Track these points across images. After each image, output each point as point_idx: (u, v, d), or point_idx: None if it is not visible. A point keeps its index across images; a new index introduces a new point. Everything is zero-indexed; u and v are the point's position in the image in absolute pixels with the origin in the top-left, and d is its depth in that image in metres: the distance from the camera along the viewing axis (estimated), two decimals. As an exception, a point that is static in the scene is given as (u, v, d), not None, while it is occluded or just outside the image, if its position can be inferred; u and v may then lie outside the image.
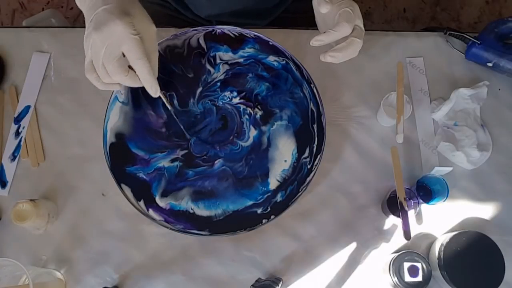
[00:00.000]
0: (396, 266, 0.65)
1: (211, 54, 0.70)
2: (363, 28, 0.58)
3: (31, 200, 0.66)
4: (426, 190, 0.73)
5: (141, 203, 0.64)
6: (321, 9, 0.57)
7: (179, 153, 0.66)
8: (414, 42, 0.80)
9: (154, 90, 0.56)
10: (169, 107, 0.63)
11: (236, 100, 0.68)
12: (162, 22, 0.90)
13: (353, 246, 0.71)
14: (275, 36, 0.71)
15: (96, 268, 0.70)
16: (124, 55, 0.52)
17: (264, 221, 0.63)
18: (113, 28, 0.51)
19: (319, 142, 0.66)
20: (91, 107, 0.75)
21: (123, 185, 0.64)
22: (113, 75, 0.53)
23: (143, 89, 0.67)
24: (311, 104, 0.68)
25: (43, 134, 0.75)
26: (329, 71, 0.77)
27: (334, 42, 0.58)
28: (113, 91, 0.67)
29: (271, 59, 0.70)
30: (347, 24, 0.55)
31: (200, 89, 0.69)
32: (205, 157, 0.66)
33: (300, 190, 0.65)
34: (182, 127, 0.66)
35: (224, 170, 0.65)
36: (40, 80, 0.77)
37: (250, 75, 0.69)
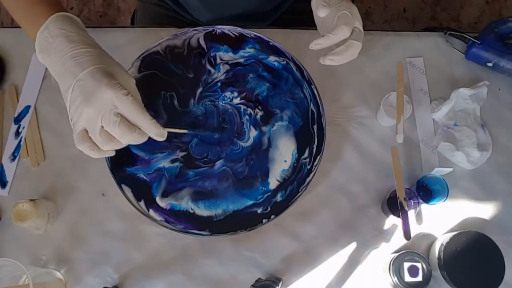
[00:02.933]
0: (396, 266, 0.65)
1: (211, 54, 0.70)
2: (362, 30, 0.58)
3: (31, 200, 0.66)
4: (426, 190, 0.73)
5: (142, 203, 0.64)
6: (319, 13, 0.58)
7: (179, 154, 0.66)
8: (414, 42, 0.80)
9: (161, 136, 0.53)
10: (183, 131, 0.63)
11: (236, 101, 0.68)
12: (162, 22, 0.90)
13: (353, 246, 0.71)
14: (275, 36, 0.71)
15: (96, 268, 0.70)
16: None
17: (264, 221, 0.64)
18: (103, 95, 0.49)
19: (319, 143, 0.66)
20: (91, 107, 0.75)
21: (123, 186, 0.64)
22: (122, 137, 0.51)
23: (142, 88, 0.68)
24: (312, 104, 0.68)
25: (43, 134, 0.75)
26: (329, 71, 0.77)
27: (333, 44, 0.58)
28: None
29: (272, 59, 0.70)
30: (346, 27, 0.55)
31: (200, 89, 0.69)
32: (205, 159, 0.66)
33: (300, 190, 0.65)
34: (207, 133, 0.66)
35: (224, 170, 0.65)
36: (40, 80, 0.77)
37: (251, 75, 0.69)
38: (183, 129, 0.62)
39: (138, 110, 0.51)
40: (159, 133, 0.53)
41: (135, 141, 0.52)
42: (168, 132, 0.54)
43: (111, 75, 0.51)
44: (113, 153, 0.54)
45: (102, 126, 0.50)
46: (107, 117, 0.50)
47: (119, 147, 0.53)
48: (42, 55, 0.54)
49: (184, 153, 0.66)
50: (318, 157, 0.65)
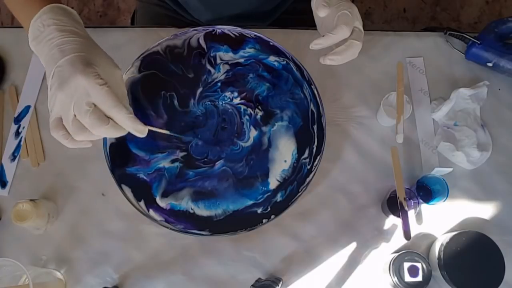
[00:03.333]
0: (396, 266, 0.65)
1: (212, 54, 0.70)
2: (362, 30, 0.58)
3: (31, 200, 0.66)
4: (426, 190, 0.73)
5: (142, 203, 0.64)
6: (319, 13, 0.58)
7: (179, 154, 0.66)
8: (414, 42, 0.80)
9: (140, 132, 0.52)
10: (165, 132, 0.61)
11: (236, 101, 0.68)
12: (162, 22, 0.90)
13: (353, 246, 0.71)
14: (275, 36, 0.71)
15: (96, 268, 0.70)
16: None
17: (264, 221, 0.63)
18: (76, 82, 0.48)
19: (319, 143, 0.66)
20: (91, 107, 0.75)
21: (123, 186, 0.64)
22: (93, 128, 0.49)
23: (142, 88, 0.68)
24: (312, 105, 0.68)
25: (43, 134, 0.75)
26: (329, 71, 0.77)
27: (333, 44, 0.58)
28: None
29: (272, 59, 0.70)
30: (346, 27, 0.55)
31: (200, 90, 0.69)
32: (205, 159, 0.66)
33: (300, 190, 0.65)
34: (188, 137, 0.66)
35: (224, 170, 0.65)
36: (40, 80, 0.77)
37: (251, 75, 0.69)
38: (165, 130, 0.60)
39: (112, 102, 0.49)
40: (137, 129, 0.51)
41: (108, 134, 0.51)
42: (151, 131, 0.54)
43: (90, 64, 0.50)
44: (89, 145, 0.53)
45: (75, 115, 0.49)
46: (78, 105, 0.49)
47: (92, 138, 0.51)
48: (33, 43, 0.54)
49: (184, 153, 0.66)
50: (318, 157, 0.65)
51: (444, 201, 0.69)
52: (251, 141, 0.67)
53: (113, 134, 0.51)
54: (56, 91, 0.50)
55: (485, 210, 0.73)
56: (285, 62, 0.70)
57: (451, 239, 0.65)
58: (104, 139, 0.65)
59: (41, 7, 0.54)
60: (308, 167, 0.66)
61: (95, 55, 0.52)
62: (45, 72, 0.76)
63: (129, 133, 0.65)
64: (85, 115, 0.48)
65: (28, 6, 0.56)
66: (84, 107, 0.48)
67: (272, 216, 0.64)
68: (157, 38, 0.70)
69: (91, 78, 0.49)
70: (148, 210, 0.64)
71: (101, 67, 0.51)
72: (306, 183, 0.65)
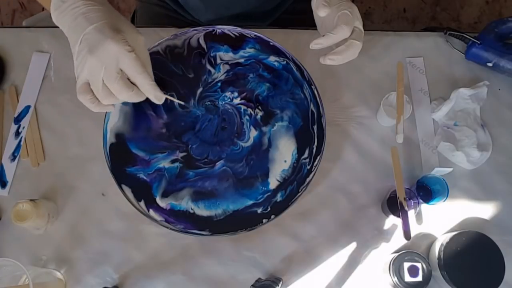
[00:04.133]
0: (396, 266, 0.65)
1: (212, 54, 0.70)
2: (362, 30, 0.58)
3: (31, 200, 0.66)
4: (426, 190, 0.73)
5: (142, 203, 0.64)
6: (320, 12, 0.57)
7: (179, 154, 0.66)
8: (414, 42, 0.80)
9: (158, 99, 0.56)
10: (181, 103, 0.64)
11: (236, 101, 0.68)
12: (162, 22, 0.90)
13: (353, 246, 0.71)
14: (275, 36, 0.71)
15: (96, 268, 0.70)
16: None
17: (264, 220, 0.64)
18: (108, 48, 0.50)
19: (319, 143, 0.66)
20: (91, 107, 0.75)
21: (123, 186, 0.64)
22: (119, 94, 0.53)
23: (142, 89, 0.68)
24: (312, 105, 0.68)
25: (43, 134, 0.75)
26: (329, 71, 0.77)
27: (333, 44, 0.58)
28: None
29: (272, 59, 0.70)
30: (346, 26, 0.55)
31: (200, 90, 0.69)
32: (206, 159, 0.66)
33: (300, 190, 0.65)
34: (187, 105, 0.68)
35: (224, 170, 0.65)
36: (40, 80, 0.77)
37: (251, 75, 0.69)
38: (180, 100, 0.63)
39: (139, 68, 0.52)
40: (157, 96, 0.55)
41: (131, 99, 0.54)
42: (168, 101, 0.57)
43: (118, 30, 0.52)
44: (112, 109, 0.56)
45: (103, 81, 0.52)
46: (108, 71, 0.51)
47: (117, 102, 0.55)
48: (56, 13, 0.55)
49: (184, 153, 0.66)
50: (318, 157, 0.65)
51: (444, 201, 0.69)
52: (251, 141, 0.67)
53: (135, 99, 0.55)
54: (86, 57, 0.51)
55: (485, 210, 0.73)
56: (285, 62, 0.70)
57: (451, 239, 0.65)
58: (104, 140, 0.65)
59: None
60: (308, 167, 0.66)
61: (121, 22, 0.54)
62: (45, 72, 0.77)
63: (129, 133, 0.66)
64: (114, 81, 0.51)
65: None
66: (113, 73, 0.51)
67: (272, 216, 0.64)
68: (157, 38, 0.70)
69: (120, 44, 0.51)
70: (148, 210, 0.64)
71: (127, 33, 0.53)
72: (306, 183, 0.65)
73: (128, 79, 0.53)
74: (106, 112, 0.66)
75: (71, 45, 0.54)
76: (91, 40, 0.51)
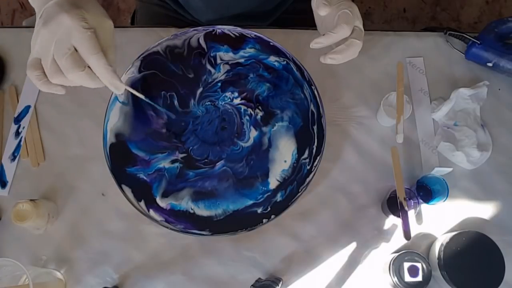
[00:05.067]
0: (396, 266, 0.65)
1: (212, 54, 0.70)
2: (363, 29, 0.58)
3: (31, 200, 0.66)
4: (426, 190, 0.73)
5: (142, 203, 0.64)
6: (320, 11, 0.57)
7: (179, 155, 0.66)
8: (414, 42, 0.80)
9: (115, 87, 0.51)
10: (141, 96, 0.58)
11: (237, 101, 0.68)
12: (162, 22, 0.90)
13: (353, 246, 0.71)
14: (275, 36, 0.71)
15: (96, 268, 0.70)
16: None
17: (264, 220, 0.63)
18: (61, 20, 0.48)
19: (319, 143, 0.66)
20: (91, 107, 0.75)
21: (123, 186, 0.64)
22: (68, 72, 0.48)
23: (142, 88, 0.68)
24: (312, 105, 0.68)
25: (43, 134, 0.75)
26: (329, 71, 0.77)
27: (334, 43, 0.58)
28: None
29: (272, 59, 0.70)
30: (346, 26, 0.55)
31: (200, 90, 0.69)
32: (206, 160, 0.66)
33: (299, 190, 0.65)
34: (164, 110, 0.65)
35: (224, 170, 0.65)
36: (40, 80, 0.77)
37: (251, 75, 0.69)
38: (140, 94, 0.58)
39: (92, 48, 0.48)
40: (113, 83, 0.50)
41: (83, 82, 0.50)
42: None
43: (78, 6, 0.49)
44: (62, 91, 0.52)
45: (53, 56, 0.48)
46: (58, 45, 0.48)
47: (67, 83, 0.50)
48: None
49: (184, 154, 0.66)
50: (318, 158, 0.65)
51: (444, 201, 0.69)
52: (251, 141, 0.67)
53: (87, 82, 0.50)
54: (39, 28, 0.49)
55: (485, 210, 0.73)
56: (285, 62, 0.70)
57: (451, 239, 0.65)
58: (104, 140, 0.65)
59: None
60: (308, 167, 0.66)
61: (86, 2, 0.51)
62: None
63: (129, 134, 0.65)
64: (63, 56, 0.48)
65: None
66: (64, 48, 0.48)
67: (272, 216, 0.64)
68: (157, 38, 0.70)
69: (75, 19, 0.48)
70: (148, 210, 0.64)
71: (90, 13, 0.50)
72: (306, 183, 0.65)
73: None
74: (106, 112, 0.66)
75: (36, 21, 0.51)
76: (48, 13, 0.49)
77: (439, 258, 0.65)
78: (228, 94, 0.68)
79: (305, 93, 0.68)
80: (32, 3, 0.55)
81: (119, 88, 0.52)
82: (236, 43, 0.70)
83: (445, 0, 1.67)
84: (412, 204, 0.70)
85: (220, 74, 0.69)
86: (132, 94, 0.67)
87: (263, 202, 0.65)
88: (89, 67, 0.49)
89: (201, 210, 0.64)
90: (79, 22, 0.48)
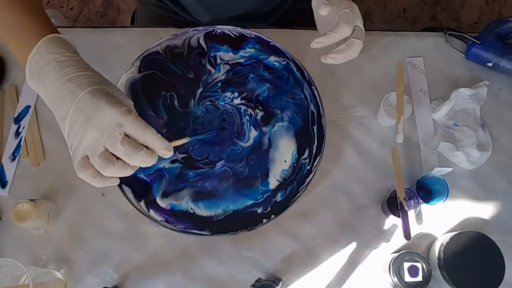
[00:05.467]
0: (396, 266, 0.65)
1: (212, 54, 0.70)
2: (363, 29, 0.58)
3: (31, 200, 0.66)
4: (426, 190, 0.73)
5: (142, 203, 0.64)
6: (321, 11, 0.57)
7: (179, 156, 0.66)
8: (414, 42, 0.80)
9: (170, 150, 0.49)
10: (185, 141, 0.57)
11: (237, 101, 0.68)
12: (162, 23, 0.90)
13: (353, 246, 0.71)
14: (275, 36, 0.71)
15: (96, 268, 0.70)
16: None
17: (264, 220, 0.64)
18: (106, 115, 0.46)
19: (319, 143, 0.66)
20: (91, 107, 0.75)
21: (123, 186, 0.64)
22: (129, 157, 0.47)
23: (143, 89, 0.68)
24: (312, 105, 0.68)
25: (43, 134, 0.75)
26: (329, 71, 0.77)
27: (334, 43, 0.58)
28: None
29: (272, 59, 0.70)
30: (347, 25, 0.55)
31: (200, 90, 0.69)
32: (206, 160, 0.66)
33: (299, 190, 0.65)
34: (207, 134, 0.65)
35: (224, 170, 0.65)
36: (40, 80, 0.77)
37: (251, 75, 0.69)
38: (184, 138, 0.57)
39: (143, 126, 0.47)
40: (167, 148, 0.49)
41: (143, 162, 0.48)
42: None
43: (110, 94, 0.48)
44: (117, 181, 0.50)
45: (105, 148, 0.47)
46: (110, 137, 0.46)
47: (123, 173, 0.48)
48: (33, 81, 0.50)
49: (184, 155, 0.66)
50: (318, 158, 0.65)
51: (444, 201, 0.69)
52: (251, 141, 0.67)
53: (148, 160, 0.48)
54: (84, 128, 0.47)
55: (485, 210, 0.73)
56: (285, 62, 0.70)
57: (451, 239, 0.65)
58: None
59: (36, 35, 0.50)
60: (308, 167, 0.66)
61: (110, 87, 0.50)
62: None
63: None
64: (118, 142, 0.46)
65: (20, 30, 0.51)
66: (116, 135, 0.46)
67: (272, 216, 0.64)
68: (157, 38, 0.70)
69: (118, 107, 0.46)
70: (149, 210, 0.64)
71: (117, 94, 0.49)
72: (306, 183, 0.65)
73: None
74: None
75: (58, 117, 0.49)
76: (85, 110, 0.46)
77: (439, 258, 0.65)
78: (228, 94, 0.68)
79: (305, 93, 0.68)
80: (43, 93, 0.50)
81: (171, 150, 0.50)
82: (236, 43, 0.70)
83: (445, 0, 1.67)
84: (412, 204, 0.70)
85: (220, 74, 0.69)
86: (131, 94, 0.67)
87: (263, 202, 0.65)
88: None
89: (201, 210, 0.64)
90: (121, 109, 0.46)
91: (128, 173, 0.48)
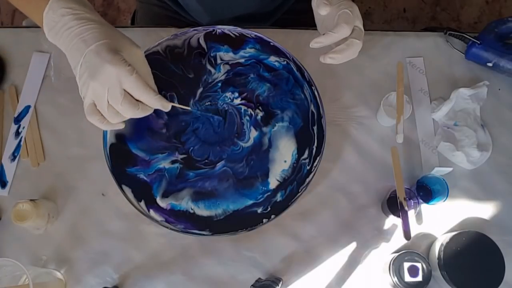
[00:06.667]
0: (396, 266, 0.65)
1: (212, 54, 0.70)
2: (363, 29, 0.58)
3: (31, 200, 0.66)
4: (426, 190, 0.73)
5: (142, 203, 0.64)
6: (320, 11, 0.58)
7: (179, 156, 0.66)
8: (414, 42, 0.80)
9: (166, 107, 0.57)
10: (187, 109, 0.65)
11: (237, 101, 0.68)
12: (162, 23, 0.90)
13: (353, 246, 0.71)
14: (275, 36, 0.71)
15: (96, 268, 0.70)
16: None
17: (264, 220, 0.64)
18: (107, 71, 0.51)
19: (319, 144, 0.66)
20: (91, 107, 0.75)
21: (124, 186, 0.64)
22: (126, 113, 0.54)
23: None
24: (312, 105, 0.68)
25: (43, 134, 0.75)
26: (329, 71, 0.77)
27: (333, 43, 0.58)
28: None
29: (272, 59, 0.70)
30: (346, 25, 0.55)
31: (200, 90, 0.69)
32: (206, 160, 0.66)
33: (299, 190, 0.65)
34: (209, 114, 0.68)
35: (225, 171, 0.65)
36: (40, 80, 0.77)
37: (251, 75, 0.69)
38: (187, 106, 0.64)
39: (142, 88, 0.53)
40: (164, 105, 0.56)
41: (138, 116, 0.56)
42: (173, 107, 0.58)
43: (115, 50, 0.53)
44: (122, 126, 0.57)
45: (108, 102, 0.53)
46: (111, 93, 0.52)
47: (126, 119, 0.56)
48: (51, 34, 0.55)
49: (184, 155, 0.66)
50: (318, 158, 0.65)
51: (444, 201, 0.69)
52: (251, 141, 0.67)
53: (142, 114, 0.56)
54: (89, 81, 0.52)
55: (485, 210, 0.73)
56: (285, 62, 0.70)
57: (451, 239, 0.65)
58: (104, 140, 0.65)
59: None
60: (308, 167, 0.66)
61: (116, 40, 0.54)
62: (45, 72, 0.77)
63: (129, 134, 0.66)
64: (119, 102, 0.52)
65: None
66: (117, 94, 0.52)
67: (272, 216, 0.64)
68: (157, 38, 0.70)
69: (120, 66, 0.51)
70: (149, 210, 0.64)
71: (124, 51, 0.54)
72: (306, 183, 0.65)
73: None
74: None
75: (71, 65, 0.55)
76: (90, 64, 0.52)
77: (439, 258, 0.65)
78: (228, 94, 0.68)
79: (305, 93, 0.68)
80: (53, 41, 0.56)
81: (168, 107, 0.57)
82: (236, 43, 0.70)
83: (445, 0, 1.67)
84: (412, 204, 0.70)
85: (220, 74, 0.69)
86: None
87: (263, 202, 0.65)
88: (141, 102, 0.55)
89: (201, 210, 0.64)
90: (123, 68, 0.52)
91: (127, 118, 0.56)
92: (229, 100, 0.68)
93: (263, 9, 0.86)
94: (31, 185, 0.73)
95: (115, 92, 0.52)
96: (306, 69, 0.68)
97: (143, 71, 0.55)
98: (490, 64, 0.76)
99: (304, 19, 0.77)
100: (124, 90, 0.53)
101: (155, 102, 0.55)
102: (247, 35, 0.70)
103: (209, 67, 0.69)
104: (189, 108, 0.65)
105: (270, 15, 0.89)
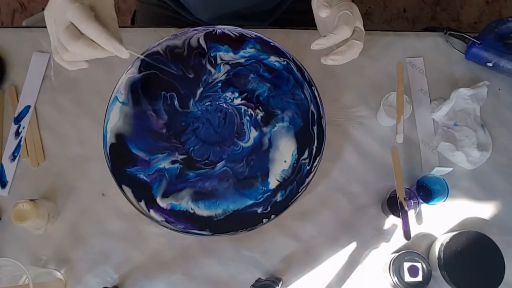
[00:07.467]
0: (396, 266, 0.65)
1: (212, 54, 0.70)
2: (363, 30, 0.58)
3: (31, 200, 0.66)
4: (426, 190, 0.73)
5: (142, 203, 0.64)
6: (321, 13, 0.57)
7: (179, 156, 0.66)
8: (414, 42, 0.80)
9: (116, 49, 0.51)
10: (139, 56, 0.61)
11: (237, 101, 0.68)
12: (162, 23, 0.90)
13: (353, 246, 0.71)
14: (275, 36, 0.71)
15: (96, 268, 0.70)
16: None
17: (264, 220, 0.64)
18: (57, 3, 0.50)
19: (319, 144, 0.66)
20: (91, 107, 0.75)
21: (124, 186, 0.64)
22: (68, 45, 0.50)
23: (143, 88, 0.68)
24: (312, 106, 0.68)
25: (43, 134, 0.75)
26: (329, 71, 0.77)
27: (334, 44, 0.58)
28: (113, 91, 0.67)
29: (272, 59, 0.70)
30: (347, 26, 0.55)
31: (200, 90, 0.69)
32: (206, 160, 0.66)
33: (299, 190, 0.65)
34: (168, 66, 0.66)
35: (225, 171, 0.65)
36: (40, 80, 0.77)
37: (252, 75, 0.69)
38: (139, 54, 0.60)
39: (82, 17, 0.49)
40: (113, 46, 0.50)
41: (84, 53, 0.51)
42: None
43: None
44: (84, 65, 0.54)
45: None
46: (57, 24, 0.50)
47: (76, 58, 0.52)
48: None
49: (185, 156, 0.66)
50: (318, 158, 0.66)
51: (444, 201, 0.69)
52: (251, 141, 0.67)
53: (89, 52, 0.50)
54: (46, 18, 0.52)
55: (485, 210, 0.73)
56: (285, 62, 0.70)
57: (451, 239, 0.65)
58: (104, 140, 0.65)
59: None
60: (308, 167, 0.66)
61: None
62: (45, 72, 0.77)
63: (129, 134, 0.65)
64: (61, 33, 0.50)
65: None
66: (61, 24, 0.50)
67: (272, 216, 0.64)
68: (157, 38, 0.70)
69: None
70: (149, 211, 0.64)
71: None
72: (305, 183, 0.65)
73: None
74: (106, 112, 0.66)
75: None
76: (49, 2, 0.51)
77: (439, 258, 0.65)
78: (228, 94, 0.68)
79: (305, 94, 0.68)
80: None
81: (122, 51, 0.51)
82: (237, 43, 0.70)
83: (445, 0, 1.67)
84: (412, 204, 0.70)
85: (220, 74, 0.69)
86: (131, 94, 0.67)
87: (263, 202, 0.65)
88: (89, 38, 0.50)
89: (201, 210, 0.64)
90: None
91: (79, 57, 0.52)
92: (229, 100, 0.68)
93: (261, 7, 0.86)
94: (31, 185, 0.73)
95: (60, 22, 0.50)
96: (306, 69, 0.68)
97: (104, 12, 0.52)
98: (490, 64, 0.76)
99: (304, 19, 0.77)
100: (71, 23, 0.49)
101: (101, 38, 0.49)
102: (247, 35, 0.70)
103: (209, 67, 0.69)
104: (141, 56, 0.61)
105: (270, 14, 0.89)
